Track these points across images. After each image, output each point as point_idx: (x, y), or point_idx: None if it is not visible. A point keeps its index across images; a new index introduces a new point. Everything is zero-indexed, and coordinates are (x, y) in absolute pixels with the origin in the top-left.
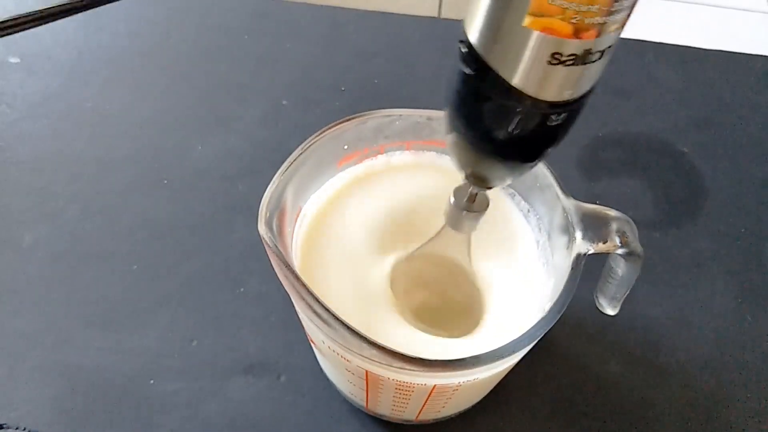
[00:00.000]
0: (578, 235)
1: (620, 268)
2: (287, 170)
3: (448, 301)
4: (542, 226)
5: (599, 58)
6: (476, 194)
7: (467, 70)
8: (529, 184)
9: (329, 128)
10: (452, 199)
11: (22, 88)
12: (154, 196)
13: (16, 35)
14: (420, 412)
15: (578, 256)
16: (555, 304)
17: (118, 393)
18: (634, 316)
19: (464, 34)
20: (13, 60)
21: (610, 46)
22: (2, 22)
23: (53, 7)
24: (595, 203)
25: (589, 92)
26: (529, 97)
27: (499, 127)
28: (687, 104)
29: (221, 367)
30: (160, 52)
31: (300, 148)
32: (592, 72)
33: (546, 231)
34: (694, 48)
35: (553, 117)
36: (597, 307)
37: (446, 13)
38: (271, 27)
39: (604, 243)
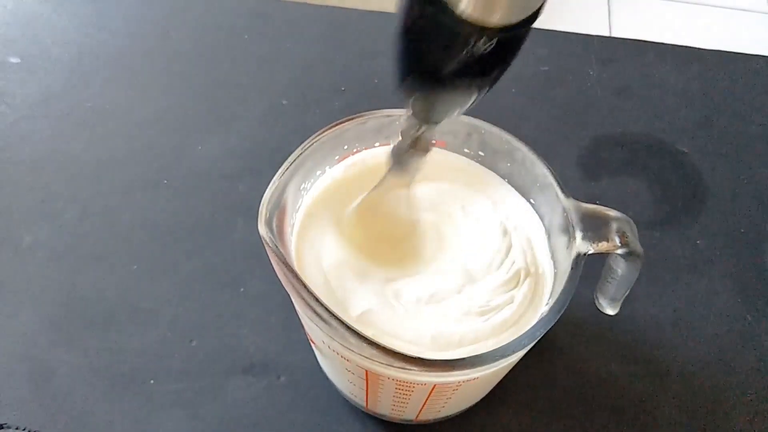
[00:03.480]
0: (578, 235)
1: (620, 268)
2: (287, 170)
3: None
4: (544, 224)
5: None
6: (420, 135)
7: None
8: (529, 184)
9: (329, 128)
10: (397, 140)
11: (22, 88)
12: (154, 196)
13: (16, 35)
14: (420, 412)
15: (578, 256)
16: (555, 304)
17: (118, 393)
18: (634, 316)
19: None
20: (13, 60)
21: None
22: None
23: None
24: (595, 203)
25: (521, 27)
26: (468, 20)
27: (439, 53)
28: (687, 104)
29: (221, 367)
30: (160, 52)
31: (300, 148)
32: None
33: (547, 230)
34: (694, 48)
35: (484, 42)
36: (597, 307)
37: None
38: (271, 27)
39: (604, 243)
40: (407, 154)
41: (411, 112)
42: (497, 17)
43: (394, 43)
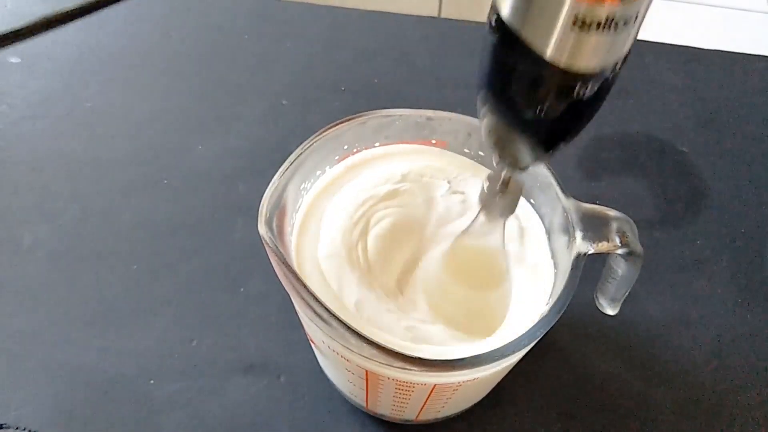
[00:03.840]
0: (578, 235)
1: (620, 268)
2: (287, 170)
3: (473, 298)
4: (544, 224)
5: (624, 26)
6: (509, 178)
7: (498, 44)
8: (530, 183)
9: (329, 128)
10: (486, 185)
11: (22, 88)
12: (154, 196)
13: None
14: (420, 412)
15: (578, 256)
16: (555, 304)
17: (118, 393)
18: (634, 316)
19: (494, 8)
20: (13, 60)
21: (636, 16)
22: (7, 33)
23: (57, 13)
24: (595, 203)
25: (618, 66)
26: (559, 67)
27: (530, 99)
28: (687, 104)
29: (221, 367)
30: (160, 52)
31: (300, 148)
32: (621, 41)
33: (547, 230)
34: (694, 48)
35: (584, 88)
36: (597, 307)
37: (446, 13)
38: (271, 27)
39: (604, 243)
40: (498, 197)
41: (499, 159)
42: (587, 63)
43: (480, 97)
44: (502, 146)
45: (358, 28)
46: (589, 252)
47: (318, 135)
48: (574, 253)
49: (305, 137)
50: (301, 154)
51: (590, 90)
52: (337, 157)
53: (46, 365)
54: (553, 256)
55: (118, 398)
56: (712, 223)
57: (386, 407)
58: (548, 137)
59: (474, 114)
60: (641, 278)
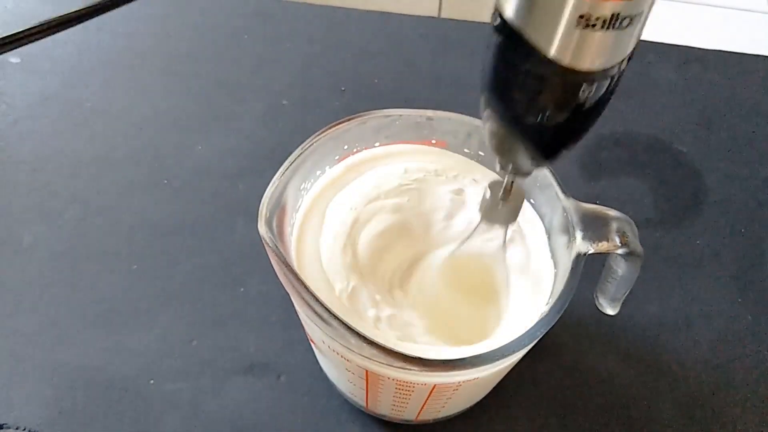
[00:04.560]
0: (578, 235)
1: (620, 268)
2: (287, 170)
3: (468, 312)
4: (544, 224)
5: (629, 24)
6: (512, 185)
7: (501, 45)
8: (529, 184)
9: (329, 128)
10: (488, 193)
11: (22, 88)
12: (154, 196)
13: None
14: (420, 412)
15: (578, 256)
16: (555, 304)
17: (118, 393)
18: (634, 315)
19: (497, 9)
20: (13, 60)
21: (641, 13)
22: (13, 34)
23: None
24: (595, 203)
25: (623, 66)
26: (563, 66)
27: (533, 100)
28: (687, 104)
29: (221, 367)
30: (160, 52)
31: (300, 148)
32: (625, 40)
33: (546, 230)
34: (694, 48)
35: (588, 88)
36: (597, 307)
37: (446, 13)
38: (271, 27)
39: (604, 243)
40: (500, 205)
41: (502, 164)
42: (591, 63)
43: (481, 97)
44: (505, 150)
45: (358, 28)
46: (589, 252)
47: (318, 135)
48: (574, 253)
49: (305, 137)
50: (301, 154)
51: (594, 90)
52: (337, 157)
53: (46, 365)
54: (553, 256)
55: (118, 398)
56: (712, 223)
57: (386, 407)
58: (552, 140)
59: (474, 114)
60: (641, 278)
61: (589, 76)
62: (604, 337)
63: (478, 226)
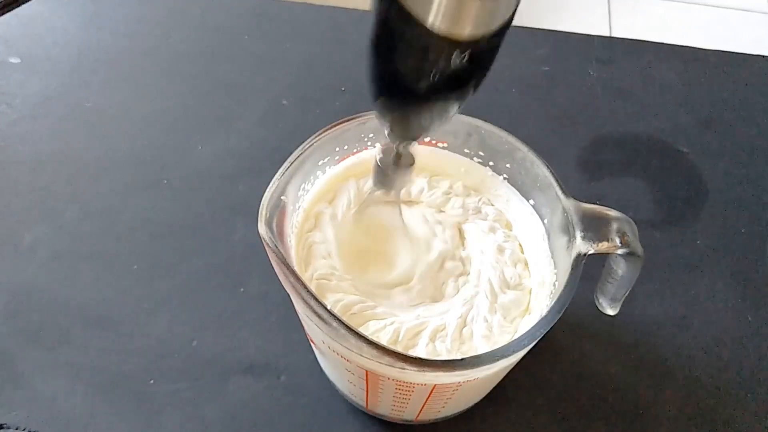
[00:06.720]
0: (578, 235)
1: (620, 268)
2: (287, 170)
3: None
4: (544, 224)
5: None
6: (402, 150)
7: (382, 13)
8: (529, 184)
9: (329, 128)
10: (379, 157)
11: (22, 88)
12: (154, 196)
13: (16, 35)
14: (420, 412)
15: (578, 256)
16: (555, 304)
17: (118, 393)
18: (634, 316)
19: None
20: (13, 60)
21: None
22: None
23: None
24: (595, 203)
25: (498, 36)
26: (440, 34)
27: (411, 66)
28: (687, 104)
29: (221, 367)
30: (160, 52)
31: (300, 148)
32: (500, 7)
33: (546, 231)
34: (694, 48)
35: (464, 54)
36: (597, 307)
37: None
38: (271, 27)
39: (604, 243)
40: (391, 170)
41: (388, 130)
42: (468, 30)
43: (366, 62)
44: (390, 116)
45: (358, 28)
46: (589, 252)
47: (318, 135)
48: (574, 254)
49: (305, 137)
50: (301, 154)
51: (471, 57)
52: (337, 157)
53: (45, 365)
54: (553, 257)
55: (118, 398)
56: (712, 223)
57: (386, 407)
58: (434, 105)
59: (474, 114)
60: (641, 278)
61: (464, 44)
62: (604, 337)
63: (372, 189)
